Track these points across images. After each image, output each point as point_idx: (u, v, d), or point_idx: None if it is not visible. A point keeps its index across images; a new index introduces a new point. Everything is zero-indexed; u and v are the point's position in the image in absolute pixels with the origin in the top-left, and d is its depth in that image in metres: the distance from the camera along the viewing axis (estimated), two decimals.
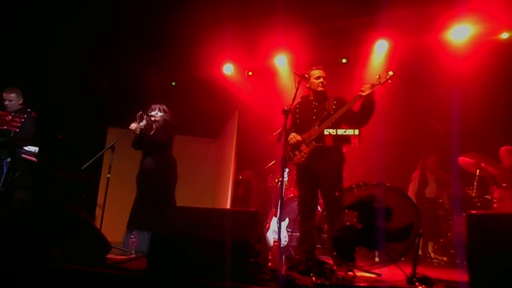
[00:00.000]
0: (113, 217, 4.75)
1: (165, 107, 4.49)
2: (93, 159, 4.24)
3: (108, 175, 4.37)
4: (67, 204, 3.30)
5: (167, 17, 5.64)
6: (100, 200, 5.89)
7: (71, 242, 3.11)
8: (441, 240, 5.02)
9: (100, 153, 4.42)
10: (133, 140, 4.42)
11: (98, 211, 5.73)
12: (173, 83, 7.19)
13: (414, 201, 4.84)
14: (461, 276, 2.42)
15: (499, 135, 5.16)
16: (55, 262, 2.67)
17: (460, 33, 5.34)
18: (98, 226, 4.14)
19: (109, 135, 6.21)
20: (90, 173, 5.66)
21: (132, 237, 3.81)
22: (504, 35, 5.25)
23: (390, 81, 3.52)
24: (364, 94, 3.51)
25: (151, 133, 4.39)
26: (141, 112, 4.31)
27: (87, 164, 4.19)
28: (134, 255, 3.67)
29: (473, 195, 4.93)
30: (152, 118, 4.36)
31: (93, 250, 3.14)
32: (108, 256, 3.31)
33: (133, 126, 4.28)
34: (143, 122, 4.29)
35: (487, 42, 5.25)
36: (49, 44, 5.74)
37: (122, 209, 4.38)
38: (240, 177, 6.47)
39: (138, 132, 4.27)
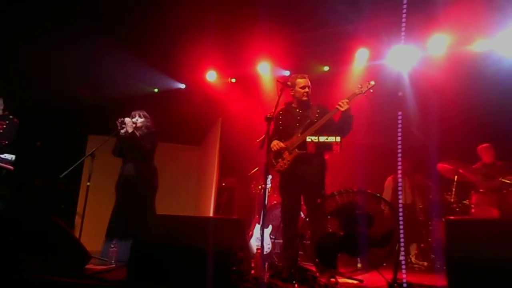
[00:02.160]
0: (93, 226, 4.66)
1: (145, 113, 4.42)
2: (72, 167, 4.14)
3: (88, 183, 4.28)
4: (44, 213, 3.22)
5: (149, 24, 5.61)
6: (79, 208, 5.77)
7: (49, 252, 3.03)
8: (422, 245, 5.09)
9: (80, 160, 4.33)
10: (114, 147, 4.35)
11: (77, 220, 5.62)
12: (156, 90, 7.14)
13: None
14: (441, 280, 2.46)
15: (476, 141, 5.29)
16: (31, 273, 2.60)
17: (438, 42, 5.50)
18: (78, 236, 4.06)
19: (89, 142, 6.11)
20: (70, 182, 5.55)
21: (112, 246, 3.73)
22: (479, 44, 5.42)
23: (371, 91, 3.59)
24: (342, 109, 3.57)
25: None
26: (121, 119, 4.23)
27: (66, 172, 4.09)
28: (114, 265, 3.59)
29: (452, 200, 5.04)
30: (134, 125, 4.29)
31: (72, 260, 3.07)
32: (87, 266, 3.23)
33: (128, 120, 4.15)
34: (124, 130, 4.20)
35: (464, 50, 5.41)
36: (30, 50, 5.63)
37: (103, 218, 4.28)
38: (223, 184, 6.45)
39: (130, 131, 4.14)
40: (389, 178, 5.62)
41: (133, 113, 4.36)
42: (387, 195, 5.52)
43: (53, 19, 5.38)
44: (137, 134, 4.18)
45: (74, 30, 5.51)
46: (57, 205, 5.84)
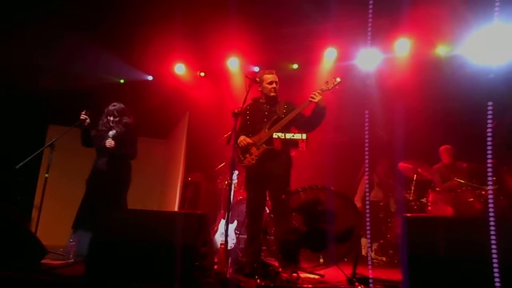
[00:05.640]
0: (51, 219, 4.49)
1: (119, 107, 4.15)
2: (29, 158, 3.96)
3: (46, 175, 4.10)
4: None
5: (116, 12, 5.43)
6: (37, 201, 5.54)
7: (2, 246, 2.89)
8: (381, 241, 5.27)
9: (38, 151, 4.14)
10: (81, 138, 4.15)
11: (34, 213, 5.39)
12: (122, 81, 6.95)
13: (364, 203, 5.07)
14: (398, 275, 2.55)
15: (435, 142, 5.53)
16: None
17: (403, 46, 5.68)
18: (34, 229, 3.89)
19: (50, 132, 5.86)
20: (27, 173, 5.29)
21: (71, 240, 3.60)
22: (441, 49, 5.65)
23: (337, 87, 3.65)
24: (315, 100, 3.58)
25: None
26: (85, 111, 4.04)
27: (23, 163, 3.90)
28: (72, 260, 3.47)
29: (410, 198, 5.24)
30: (111, 124, 4.07)
31: (27, 255, 2.94)
32: (44, 261, 3.11)
33: (111, 143, 3.91)
34: (87, 121, 4.00)
35: (427, 54, 5.63)
36: None
37: (61, 211, 4.14)
38: (190, 178, 6.38)
39: (112, 145, 3.93)
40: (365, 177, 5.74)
41: (106, 110, 4.12)
42: (361, 191, 5.61)
43: (13, 5, 5.10)
44: (116, 148, 3.98)
45: (36, 16, 5.25)
46: (12, 197, 5.58)
